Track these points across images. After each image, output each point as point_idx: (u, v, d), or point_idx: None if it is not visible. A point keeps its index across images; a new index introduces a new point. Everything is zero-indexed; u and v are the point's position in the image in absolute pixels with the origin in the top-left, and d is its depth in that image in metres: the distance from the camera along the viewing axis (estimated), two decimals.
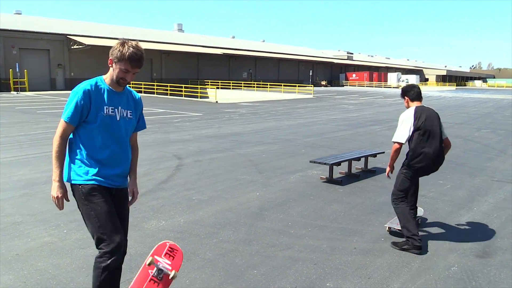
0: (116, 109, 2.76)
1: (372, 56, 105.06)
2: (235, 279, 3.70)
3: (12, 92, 34.45)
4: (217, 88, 40.33)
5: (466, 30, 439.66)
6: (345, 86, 71.68)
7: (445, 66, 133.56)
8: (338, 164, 7.12)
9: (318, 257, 4.16)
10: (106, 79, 2.79)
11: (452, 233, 4.91)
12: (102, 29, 47.62)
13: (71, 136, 2.78)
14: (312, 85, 51.92)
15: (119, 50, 2.68)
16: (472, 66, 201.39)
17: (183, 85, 35.38)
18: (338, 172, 7.73)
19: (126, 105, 2.84)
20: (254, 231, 4.80)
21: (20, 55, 38.42)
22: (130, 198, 3.03)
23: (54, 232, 4.70)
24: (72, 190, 2.77)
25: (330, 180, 7.14)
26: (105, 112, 2.70)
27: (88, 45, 39.14)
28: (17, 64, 36.30)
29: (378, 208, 5.79)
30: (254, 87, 46.78)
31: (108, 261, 2.65)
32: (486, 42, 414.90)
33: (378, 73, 77.95)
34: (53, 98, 28.69)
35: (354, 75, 77.37)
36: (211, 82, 50.39)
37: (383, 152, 8.66)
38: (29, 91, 35.90)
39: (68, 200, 2.76)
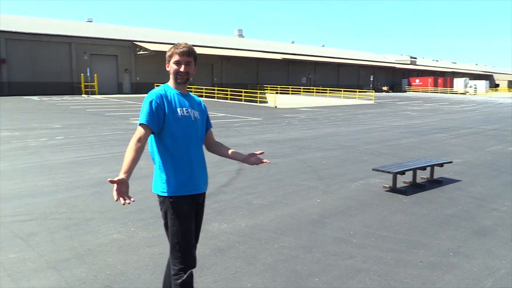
0: (188, 110, 2.83)
1: (437, 61, 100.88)
2: (296, 286, 3.67)
3: (83, 95, 36.63)
4: (276, 93, 40.48)
5: None
6: (407, 92, 69.30)
7: None
8: (403, 173, 6.88)
9: (382, 269, 4.03)
10: (170, 84, 2.90)
11: None
12: (166, 35, 49.46)
13: (154, 147, 2.80)
14: (373, 91, 50.68)
15: (169, 51, 2.86)
16: None
17: (243, 90, 35.87)
18: (402, 181, 7.47)
19: (194, 106, 2.92)
20: (315, 238, 4.75)
21: (91, 60, 40.78)
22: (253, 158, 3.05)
23: (122, 230, 4.92)
24: (160, 201, 2.81)
25: (394, 189, 6.91)
26: (179, 114, 2.77)
27: (153, 51, 40.77)
28: (88, 69, 38.58)
29: (446, 220, 5.52)
30: (313, 92, 46.49)
31: (184, 277, 2.75)
32: None
33: (444, 78, 74.61)
34: (120, 101, 30.15)
35: (417, 81, 74.60)
36: (270, 87, 50.68)
37: (451, 162, 8.25)
38: (98, 94, 38.00)
39: (130, 198, 2.54)
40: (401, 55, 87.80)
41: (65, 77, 39.40)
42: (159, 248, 4.41)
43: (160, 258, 4.15)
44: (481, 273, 4.02)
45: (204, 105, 3.07)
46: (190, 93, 3.01)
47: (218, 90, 38.97)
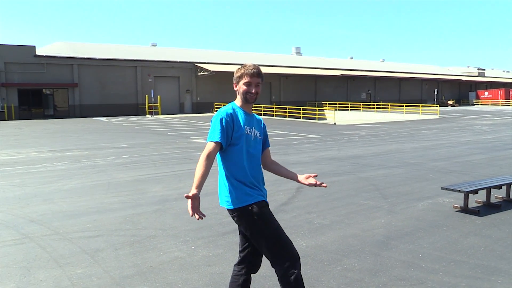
0: (251, 129, 2.96)
1: (507, 72, 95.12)
2: None
3: (147, 116, 38.25)
4: (335, 109, 39.96)
5: None
6: (475, 106, 65.77)
7: None
8: (475, 192, 6.40)
9: None
10: (238, 103, 3.01)
11: None
12: (224, 56, 50.70)
13: (221, 162, 2.92)
14: (438, 105, 48.58)
15: (237, 72, 2.99)
16: None
17: (301, 107, 35.76)
18: (474, 201, 6.96)
19: (256, 126, 3.04)
20: (381, 261, 4.49)
21: (155, 82, 42.63)
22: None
23: (183, 248, 4.94)
24: (238, 214, 2.85)
25: (465, 209, 6.45)
26: (246, 132, 2.90)
27: (213, 72, 41.91)
28: (151, 90, 40.33)
29: None
30: (373, 108, 45.42)
31: (296, 272, 2.79)
32: None
33: None
34: (181, 120, 31.11)
35: (486, 93, 70.62)
36: (328, 103, 50.17)
37: None
38: (161, 114, 39.52)
39: (202, 213, 2.62)
40: (468, 67, 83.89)
41: (131, 99, 41.44)
42: (219, 267, 4.37)
43: (220, 278, 4.10)
44: None
45: (263, 124, 3.18)
46: (253, 113, 3.12)
47: (276, 108, 39.14)
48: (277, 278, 2.88)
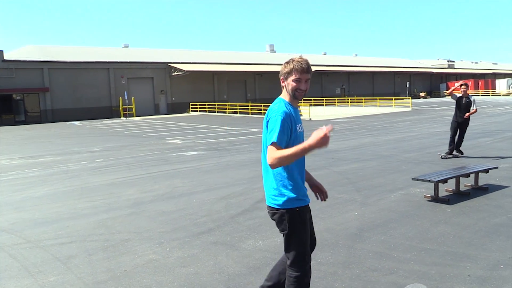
0: (301, 126, 2.97)
1: (476, 63, 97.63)
2: None
3: (122, 118, 37.72)
4: (310, 105, 40.23)
5: None
6: (446, 97, 67.27)
7: None
8: (445, 181, 6.58)
9: (427, 284, 3.81)
10: (286, 99, 2.95)
11: None
12: (198, 55, 50.44)
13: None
14: (410, 97, 49.52)
15: (286, 67, 2.92)
16: None
17: None
18: (444, 190, 7.14)
19: (301, 121, 3.02)
20: (354, 254, 4.57)
21: (128, 84, 42.07)
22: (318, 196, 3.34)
23: (157, 250, 4.91)
24: (282, 213, 2.88)
25: (436, 198, 6.61)
26: (298, 130, 2.90)
27: (187, 71, 41.64)
28: (125, 92, 39.79)
29: (494, 230, 5.20)
30: (348, 102, 45.94)
31: (309, 275, 2.99)
32: None
33: (485, 80, 72.03)
34: (157, 122, 30.81)
35: (456, 84, 72.32)
36: (303, 99, 50.47)
37: (497, 167, 7.84)
38: (136, 116, 39.04)
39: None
40: (438, 59, 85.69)
41: (105, 102, 40.80)
42: (194, 268, 4.36)
43: (195, 278, 4.10)
44: None
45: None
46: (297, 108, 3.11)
47: (252, 105, 39.15)
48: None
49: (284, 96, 2.96)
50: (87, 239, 5.41)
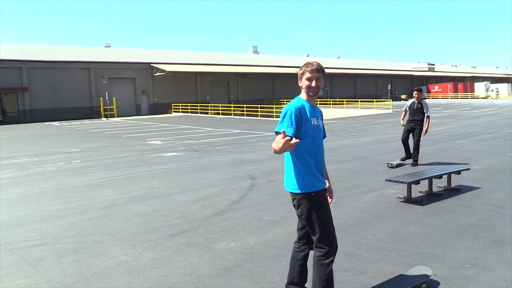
0: (317, 120, 3.29)
1: (456, 66, 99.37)
2: None
3: (102, 119, 37.29)
4: None
5: None
6: (427, 99, 68.30)
7: None
8: (417, 182, 6.69)
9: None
10: (303, 97, 3.32)
11: None
12: (181, 56, 50.17)
13: (291, 152, 3.20)
14: (391, 100, 50.17)
15: (300, 69, 3.32)
16: None
17: (259, 106, 35.94)
18: (418, 191, 7.26)
19: (320, 117, 3.38)
20: None
21: (109, 84, 41.61)
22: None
23: (129, 252, 4.88)
24: (300, 198, 3.20)
25: (409, 199, 6.71)
26: (312, 123, 3.22)
27: (169, 72, 41.39)
28: (106, 92, 39.35)
29: (463, 230, 5.31)
30: (330, 104, 46.28)
31: (332, 257, 3.22)
32: None
33: (464, 83, 73.36)
34: (138, 122, 30.54)
35: (436, 87, 73.55)
36: (286, 101, 50.65)
37: (468, 169, 8.00)
38: (117, 117, 38.63)
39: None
40: (419, 62, 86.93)
41: (85, 102, 40.26)
42: (165, 269, 4.34)
43: (165, 280, 4.09)
44: (499, 285, 3.82)
45: (322, 115, 3.49)
46: (316, 105, 3.42)
47: (234, 107, 39.14)
48: None
49: (302, 95, 3.34)
50: (59, 241, 5.34)
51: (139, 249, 4.95)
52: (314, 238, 3.23)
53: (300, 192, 3.18)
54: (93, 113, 40.09)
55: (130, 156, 12.90)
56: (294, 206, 3.28)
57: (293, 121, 3.09)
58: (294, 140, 2.80)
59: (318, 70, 3.25)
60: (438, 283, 3.93)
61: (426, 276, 3.84)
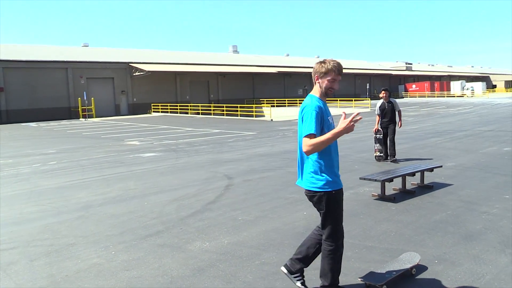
0: (332, 118, 3.41)
1: (433, 65, 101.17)
2: None
3: (80, 119, 36.75)
4: (272, 106, 40.54)
5: None
6: (404, 98, 69.37)
7: None
8: (391, 180, 6.81)
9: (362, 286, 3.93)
10: (316, 95, 3.39)
11: None
12: (160, 55, 49.80)
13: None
14: (369, 98, 50.77)
15: (322, 66, 3.34)
16: None
17: (239, 105, 35.95)
18: (392, 188, 7.39)
19: (330, 113, 3.44)
20: None
21: (88, 84, 41.04)
22: None
23: (102, 254, 4.84)
24: (320, 195, 3.34)
25: (383, 197, 6.83)
26: (330, 122, 3.34)
27: (148, 71, 41.04)
28: (84, 92, 38.78)
29: (434, 227, 5.43)
30: None
31: (340, 251, 3.49)
32: None
33: (440, 82, 74.77)
34: (116, 123, 30.20)
35: (414, 86, 74.76)
36: (266, 100, 50.79)
37: (441, 166, 8.18)
38: (96, 117, 38.11)
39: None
40: (397, 61, 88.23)
41: (63, 102, 39.61)
42: (138, 271, 4.32)
43: (138, 282, 4.07)
44: (466, 280, 3.92)
45: None
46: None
47: (214, 106, 39.04)
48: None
49: (315, 92, 3.40)
50: (31, 244, 5.26)
51: (113, 251, 4.91)
52: (325, 233, 3.44)
53: (322, 190, 3.32)
54: (71, 113, 39.47)
55: (107, 157, 12.76)
56: (312, 202, 3.43)
57: (318, 121, 3.21)
58: (359, 116, 3.05)
59: (341, 73, 3.36)
60: (426, 268, 4.18)
61: (415, 261, 4.11)
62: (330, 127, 3.32)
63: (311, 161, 3.33)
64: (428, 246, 4.77)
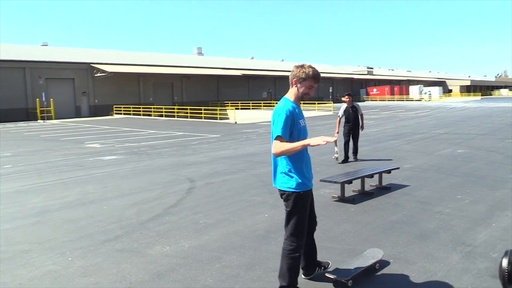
0: (304, 121, 3.55)
1: (392, 70, 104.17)
2: None
3: (39, 121, 35.51)
4: (237, 108, 40.57)
5: (491, 37, 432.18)
6: (366, 101, 71.05)
7: (469, 76, 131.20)
8: (350, 182, 6.97)
9: (316, 285, 4.01)
10: (290, 98, 3.52)
11: (467, 252, 4.68)
12: (123, 56, 48.88)
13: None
14: (332, 102, 51.71)
15: (302, 72, 3.47)
16: (498, 74, 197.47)
17: (203, 108, 35.76)
18: (351, 190, 7.56)
19: (303, 117, 3.58)
20: (259, 255, 4.69)
21: (47, 84, 39.73)
22: None
23: (58, 260, 4.71)
24: (288, 196, 3.49)
25: (342, 199, 6.98)
26: (301, 125, 3.47)
27: (111, 72, 40.19)
28: (43, 93, 37.52)
29: (390, 227, 5.60)
30: (273, 106, 46.92)
31: (299, 252, 3.53)
32: None
33: (400, 86, 77.06)
34: (77, 125, 29.40)
35: (375, 90, 76.72)
36: (231, 103, 50.78)
37: (398, 168, 8.44)
38: (55, 119, 36.94)
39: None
40: (359, 65, 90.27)
41: (20, 103, 38.16)
42: (95, 277, 4.23)
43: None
44: (419, 277, 4.07)
45: None
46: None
47: (178, 109, 38.68)
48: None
49: (290, 95, 3.53)
50: None
51: (69, 257, 4.79)
52: (287, 232, 3.55)
53: (291, 190, 3.45)
54: (29, 115, 38.06)
55: (66, 160, 12.41)
56: (283, 199, 3.58)
57: (288, 124, 3.33)
58: (333, 138, 3.12)
59: (319, 80, 3.54)
60: (388, 263, 4.38)
61: (378, 256, 4.32)
62: (301, 130, 3.46)
63: (283, 161, 3.48)
64: (385, 246, 4.91)
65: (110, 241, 5.25)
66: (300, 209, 3.49)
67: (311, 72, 3.45)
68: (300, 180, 3.46)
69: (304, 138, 3.50)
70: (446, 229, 5.44)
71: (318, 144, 3.12)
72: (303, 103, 44.19)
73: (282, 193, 3.53)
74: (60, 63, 40.95)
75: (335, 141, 10.75)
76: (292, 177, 3.45)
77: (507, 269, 1.77)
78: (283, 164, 3.48)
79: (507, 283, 1.75)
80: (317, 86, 3.56)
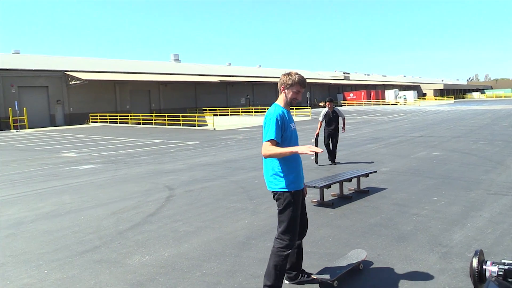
0: (294, 124, 3.70)
1: (368, 75, 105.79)
2: None
3: (11, 130, 34.67)
4: (215, 115, 40.50)
5: (462, 42, 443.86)
6: (343, 106, 71.92)
7: (442, 80, 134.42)
8: (329, 186, 7.02)
9: (302, 286, 4.02)
10: (280, 104, 3.69)
11: (443, 252, 4.77)
12: (99, 63, 48.24)
13: None
14: (310, 107, 52.15)
15: (289, 79, 3.66)
16: (469, 78, 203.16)
17: (181, 114, 35.56)
18: (330, 194, 7.62)
19: (293, 121, 3.74)
20: (239, 262, 4.68)
21: (19, 93, 38.88)
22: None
23: (34, 273, 4.59)
24: (279, 196, 3.59)
25: (322, 203, 7.03)
26: (292, 128, 3.64)
27: (86, 80, 39.63)
28: (16, 102, 36.69)
29: (368, 230, 5.66)
30: (252, 112, 47.00)
31: (289, 251, 3.59)
32: (482, 54, 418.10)
33: (376, 91, 78.36)
34: (52, 134, 28.82)
35: (351, 95, 77.75)
36: (209, 109, 50.65)
37: (375, 172, 8.56)
38: (29, 128, 36.15)
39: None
40: (335, 71, 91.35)
41: None
42: None
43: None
44: (397, 279, 4.12)
45: None
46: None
47: (155, 116, 38.34)
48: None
49: (280, 101, 3.70)
50: None
51: (45, 270, 4.67)
52: (279, 230, 3.61)
53: (281, 190, 3.56)
54: (1, 124, 37.13)
55: (41, 170, 12.14)
56: (275, 200, 3.66)
57: (279, 127, 3.50)
58: (320, 150, 3.27)
59: (305, 86, 3.75)
60: (372, 263, 4.48)
61: (362, 257, 4.41)
62: (293, 133, 3.64)
63: (274, 162, 3.59)
64: (364, 249, 4.94)
65: (87, 252, 5.15)
66: (291, 208, 3.57)
67: (297, 78, 3.65)
68: (291, 180, 3.57)
69: (295, 140, 3.68)
70: (423, 231, 5.53)
71: (305, 153, 3.23)
72: None
73: (274, 193, 3.64)
74: (33, 71, 40.17)
75: (316, 141, 10.97)
76: (283, 177, 3.57)
77: (477, 269, 1.86)
78: (274, 164, 3.60)
79: (477, 282, 1.83)
80: (303, 91, 3.73)
